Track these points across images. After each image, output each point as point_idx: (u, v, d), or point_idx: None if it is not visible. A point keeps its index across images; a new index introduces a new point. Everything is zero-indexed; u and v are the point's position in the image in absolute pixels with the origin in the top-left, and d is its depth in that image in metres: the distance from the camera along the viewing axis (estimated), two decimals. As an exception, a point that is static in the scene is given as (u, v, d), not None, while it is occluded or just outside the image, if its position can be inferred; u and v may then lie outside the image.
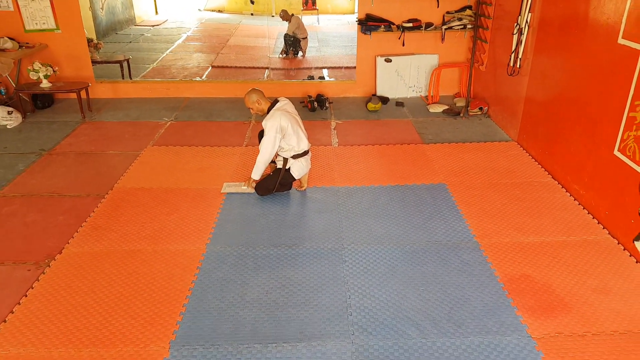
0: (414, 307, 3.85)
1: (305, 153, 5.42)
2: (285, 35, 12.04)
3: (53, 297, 3.96)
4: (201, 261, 4.39)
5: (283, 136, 5.21)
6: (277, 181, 5.39)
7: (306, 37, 12.10)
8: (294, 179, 5.49)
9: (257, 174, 5.39)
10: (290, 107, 5.42)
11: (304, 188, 5.62)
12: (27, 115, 7.87)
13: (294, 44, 11.99)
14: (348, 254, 4.49)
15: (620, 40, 4.54)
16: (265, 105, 5.32)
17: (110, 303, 3.89)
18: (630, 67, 4.39)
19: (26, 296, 3.96)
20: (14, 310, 3.81)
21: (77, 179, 5.86)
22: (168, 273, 4.24)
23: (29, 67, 7.66)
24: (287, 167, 5.38)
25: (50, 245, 4.63)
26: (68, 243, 4.65)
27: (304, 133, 5.43)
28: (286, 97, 5.51)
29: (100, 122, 7.71)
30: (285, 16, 12.10)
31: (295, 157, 5.35)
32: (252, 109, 5.36)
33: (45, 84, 7.76)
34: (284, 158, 5.39)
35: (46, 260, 4.42)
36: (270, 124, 5.15)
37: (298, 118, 5.44)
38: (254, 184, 5.48)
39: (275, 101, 5.35)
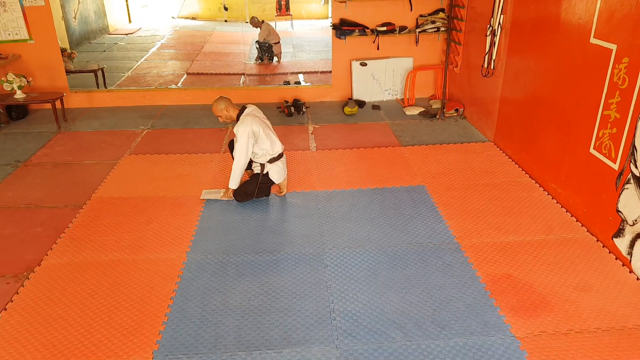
0: (398, 310, 3.85)
1: (280, 156, 5.42)
2: (258, 42, 12.05)
3: (33, 309, 3.90)
4: (182, 269, 4.36)
5: (256, 141, 5.21)
6: (256, 186, 5.38)
7: (279, 42, 12.09)
8: (273, 183, 5.48)
9: (234, 182, 5.36)
10: (259, 112, 5.43)
11: (283, 193, 5.61)
12: (2, 127, 7.77)
13: (268, 49, 11.98)
14: (330, 259, 4.48)
15: (592, 40, 4.61)
16: (233, 113, 5.31)
17: (92, 314, 3.84)
18: (602, 66, 4.46)
19: (6, 309, 3.89)
20: (-8, 325, 3.75)
21: (54, 190, 5.78)
22: (149, 282, 4.20)
23: (2, 79, 7.55)
24: (264, 172, 5.38)
25: (29, 258, 4.56)
26: (47, 255, 4.59)
27: (276, 136, 5.42)
28: (263, 103, 5.54)
29: (76, 132, 7.63)
30: (256, 23, 12.10)
31: (271, 161, 5.35)
32: (220, 117, 5.34)
33: (19, 94, 7.65)
34: (260, 164, 5.39)
35: (25, 273, 4.35)
36: (242, 130, 5.13)
37: (268, 122, 5.45)
38: (231, 194, 5.44)
39: (244, 108, 5.34)
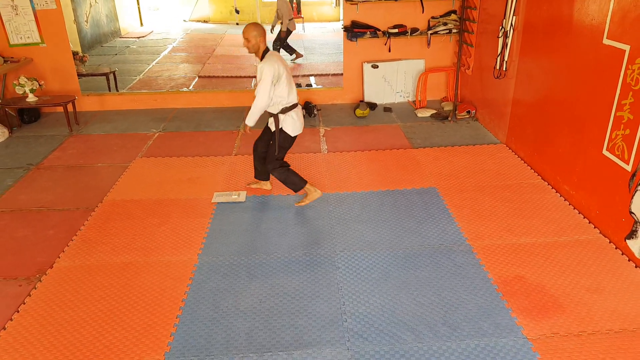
0: (409, 312, 3.84)
1: (294, 106, 5.13)
2: (282, 36, 12.30)
3: (45, 311, 3.92)
4: (193, 271, 4.37)
5: (277, 83, 4.93)
6: (275, 146, 5.16)
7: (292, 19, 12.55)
8: (292, 138, 5.22)
9: (252, 119, 5.08)
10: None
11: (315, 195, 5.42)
12: (14, 130, 7.82)
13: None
14: (341, 260, 4.48)
15: (605, 41, 4.58)
16: (262, 46, 4.96)
17: (103, 316, 3.86)
18: (615, 67, 4.43)
19: (18, 312, 3.92)
20: (6, 326, 3.77)
21: (66, 193, 5.81)
22: (161, 284, 4.21)
23: (15, 82, 7.62)
24: (280, 127, 5.13)
25: (41, 260, 4.59)
26: (59, 257, 4.61)
27: (294, 84, 5.17)
28: None
29: (88, 135, 7.67)
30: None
31: (283, 111, 5.07)
32: (248, 40, 4.91)
33: (31, 98, 7.72)
34: (274, 117, 5.12)
35: (37, 275, 4.38)
36: (267, 68, 4.82)
37: (288, 69, 5.14)
38: (249, 130, 5.25)
39: (267, 48, 5.04)
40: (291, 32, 12.50)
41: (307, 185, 5.32)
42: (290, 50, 12.73)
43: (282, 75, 4.91)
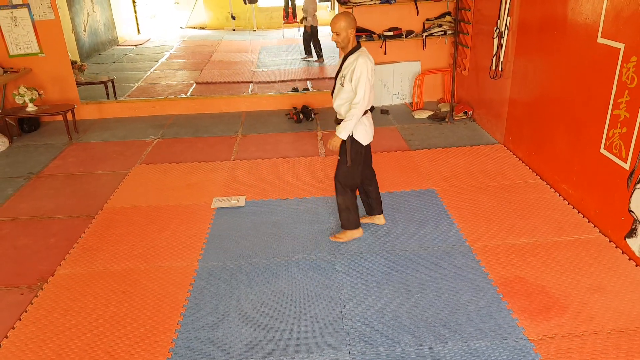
0: (410, 314, 3.85)
1: (366, 111, 4.48)
2: (308, 31, 12.79)
3: (47, 320, 3.93)
4: (194, 277, 4.38)
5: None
6: (346, 158, 4.51)
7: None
8: (364, 147, 4.56)
9: (345, 132, 4.37)
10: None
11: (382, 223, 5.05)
12: (14, 140, 7.84)
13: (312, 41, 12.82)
14: (341, 264, 4.48)
15: (600, 40, 4.60)
16: (352, 41, 4.33)
17: (105, 324, 3.86)
18: (611, 66, 4.44)
19: (20, 320, 3.92)
20: (8, 335, 3.78)
21: (67, 201, 5.83)
22: (161, 291, 4.21)
23: (14, 92, 7.63)
24: (351, 134, 4.45)
25: (43, 268, 4.60)
26: (60, 265, 4.62)
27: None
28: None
29: (88, 143, 7.69)
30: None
31: None
32: (338, 34, 4.29)
33: (31, 107, 7.73)
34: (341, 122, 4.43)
35: (39, 283, 4.39)
36: (367, 65, 4.19)
37: None
38: (337, 142, 4.43)
39: (359, 43, 4.41)
40: (317, 28, 12.84)
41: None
42: (309, 50, 13.13)
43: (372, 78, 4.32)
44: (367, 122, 4.50)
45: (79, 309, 4.04)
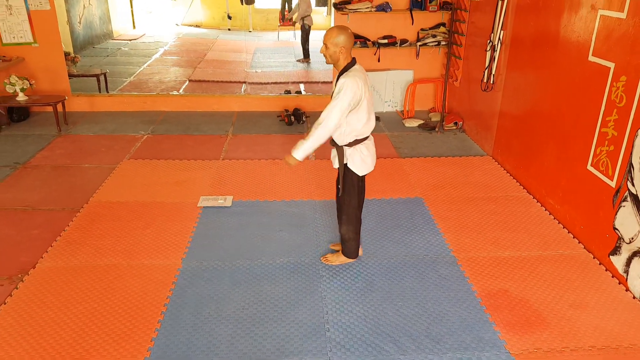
0: (392, 323, 3.84)
1: (366, 138, 4.09)
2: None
3: (26, 312, 3.88)
4: (177, 276, 4.35)
5: (356, 108, 3.86)
6: (338, 188, 4.28)
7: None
8: (360, 178, 4.19)
9: (304, 152, 3.95)
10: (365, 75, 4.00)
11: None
12: (2, 128, 7.78)
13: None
14: (325, 269, 4.47)
15: (591, 58, 4.63)
16: (345, 60, 3.90)
17: (84, 319, 3.83)
18: (600, 84, 4.47)
19: (-2, 312, 3.89)
20: (-15, 327, 3.74)
21: (52, 193, 5.78)
22: (143, 288, 4.18)
23: (5, 81, 7.59)
24: (344, 162, 4.11)
25: (24, 260, 4.56)
26: (42, 258, 4.58)
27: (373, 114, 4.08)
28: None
29: (76, 135, 7.64)
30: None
31: (352, 143, 4.03)
32: (327, 47, 3.88)
33: (21, 97, 7.69)
34: (337, 150, 4.12)
35: (19, 275, 4.34)
36: (349, 87, 3.75)
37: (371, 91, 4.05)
38: (292, 160, 4.04)
39: (354, 61, 3.98)
40: (310, 27, 13.00)
41: None
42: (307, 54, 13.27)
43: (364, 100, 3.87)
44: (366, 151, 4.07)
45: (59, 302, 4.00)
